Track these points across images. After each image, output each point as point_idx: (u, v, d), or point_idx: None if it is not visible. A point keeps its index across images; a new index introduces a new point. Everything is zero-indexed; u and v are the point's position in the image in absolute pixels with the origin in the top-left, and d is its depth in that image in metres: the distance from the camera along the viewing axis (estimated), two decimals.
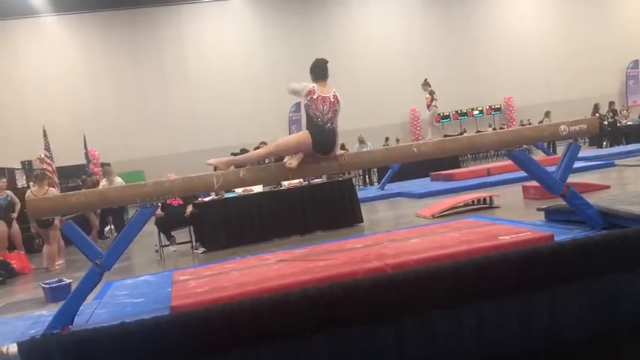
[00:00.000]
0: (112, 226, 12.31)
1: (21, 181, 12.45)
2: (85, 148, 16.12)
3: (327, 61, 5.00)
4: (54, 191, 8.75)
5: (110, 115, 20.72)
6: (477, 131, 21.23)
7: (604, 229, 5.21)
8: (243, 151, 15.22)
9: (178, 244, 8.77)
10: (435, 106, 12.38)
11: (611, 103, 18.06)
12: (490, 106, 24.45)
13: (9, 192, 9.03)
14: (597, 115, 15.93)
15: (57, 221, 8.29)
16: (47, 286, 6.05)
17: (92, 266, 4.61)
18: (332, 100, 4.89)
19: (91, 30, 21.34)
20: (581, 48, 24.76)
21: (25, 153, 16.48)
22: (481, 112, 24.37)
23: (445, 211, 8.52)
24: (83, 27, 21.29)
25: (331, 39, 21.69)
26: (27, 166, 14.71)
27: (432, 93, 11.85)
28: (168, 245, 8.68)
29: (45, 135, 13.01)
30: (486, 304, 2.48)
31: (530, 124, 19.36)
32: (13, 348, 2.29)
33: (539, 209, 6.69)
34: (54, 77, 20.64)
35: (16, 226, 8.95)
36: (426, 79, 12.17)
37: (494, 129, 21.23)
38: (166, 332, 2.22)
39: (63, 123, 18.92)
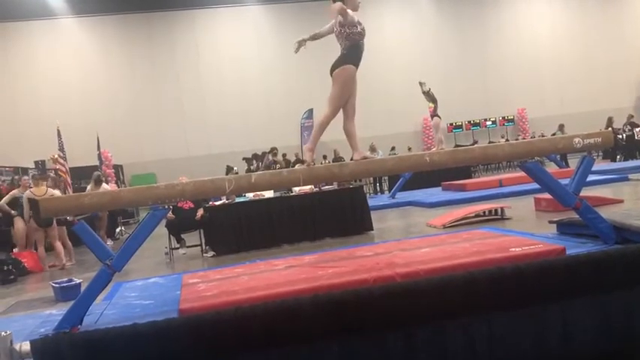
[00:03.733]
0: (123, 228, 12.38)
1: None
2: (98, 149, 16.25)
3: None
4: (53, 192, 8.83)
5: (124, 118, 20.86)
6: (490, 142, 21.16)
7: (617, 243, 5.16)
8: (255, 155, 15.31)
9: (188, 247, 8.80)
10: (439, 117, 12.36)
11: (630, 117, 17.91)
12: (503, 117, 24.35)
13: (29, 191, 9.14)
14: (611, 128, 15.81)
15: (55, 222, 8.39)
16: (57, 285, 6.09)
17: (103, 267, 4.63)
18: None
19: (108, 32, 21.54)
20: (596, 61, 24.62)
21: (39, 153, 16.71)
22: (494, 122, 24.27)
23: (456, 221, 8.48)
24: (100, 29, 21.49)
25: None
26: (40, 165, 14.87)
27: (431, 96, 11.81)
28: (178, 248, 8.70)
29: (59, 135, 13.13)
30: (498, 316, 2.46)
31: (543, 136, 19.27)
32: (26, 346, 2.30)
33: (551, 222, 6.63)
34: (70, 78, 20.83)
35: (33, 224, 9.03)
36: (419, 81, 12.14)
37: (506, 140, 21.14)
38: (177, 334, 2.23)
39: (77, 124, 19.08)
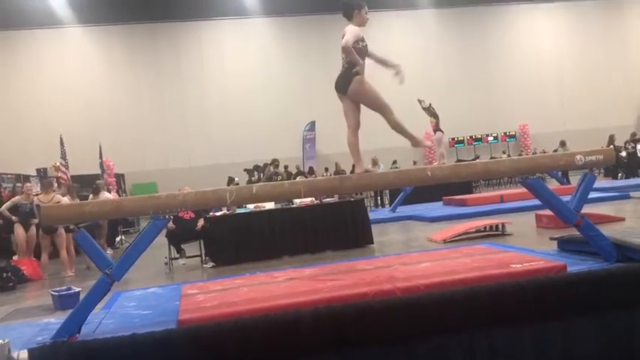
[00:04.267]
0: (123, 236, 12.36)
1: (35, 189, 12.57)
2: (100, 157, 16.27)
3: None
4: (60, 198, 8.82)
5: (127, 127, 20.93)
6: (491, 157, 21.16)
7: (618, 261, 5.14)
8: (256, 167, 15.34)
9: (188, 257, 8.78)
10: (441, 131, 12.38)
11: (633, 134, 17.92)
12: (505, 133, 24.39)
13: (36, 198, 9.15)
14: (613, 146, 15.82)
15: (61, 229, 8.38)
16: (56, 293, 6.07)
17: (102, 276, 4.61)
18: None
19: (114, 42, 21.69)
20: (598, 79, 24.72)
21: (42, 161, 16.71)
22: (496, 138, 24.30)
23: (457, 236, 8.46)
24: (106, 39, 21.64)
25: None
26: (42, 173, 14.87)
27: (432, 111, 11.83)
28: (177, 258, 8.69)
29: (62, 143, 13.17)
30: (499, 332, 2.45)
31: (544, 152, 19.28)
32: (24, 354, 2.29)
33: (552, 238, 6.61)
34: (74, 87, 20.94)
35: (33, 231, 9.01)
36: (418, 99, 12.20)
37: (508, 156, 21.15)
38: (176, 345, 2.22)
39: (80, 132, 19.14)
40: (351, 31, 4.81)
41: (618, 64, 25.01)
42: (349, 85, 4.84)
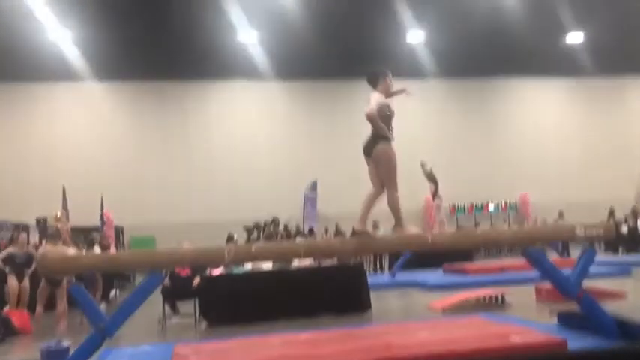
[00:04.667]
0: (118, 291, 12.19)
1: (33, 239, 12.54)
2: (102, 210, 16.29)
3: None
4: (67, 249, 8.78)
5: (130, 180, 21.05)
6: (492, 226, 21.14)
7: (619, 339, 5.05)
8: (256, 225, 15.33)
9: (182, 315, 8.64)
10: (440, 198, 12.42)
11: (634, 209, 17.94)
12: (506, 202, 24.46)
13: (32, 250, 9.11)
14: (612, 220, 15.83)
15: (65, 282, 8.29)
16: (45, 348, 5.93)
17: (94, 331, 4.54)
18: None
19: (122, 98, 22.16)
20: (599, 153, 24.98)
21: (42, 211, 16.73)
22: (497, 207, 24.35)
23: (456, 305, 8.34)
24: (115, 94, 22.12)
25: (352, 127, 21.96)
26: (42, 223, 14.86)
27: (432, 177, 11.89)
28: (171, 316, 8.54)
29: (64, 194, 13.22)
30: None
31: (545, 223, 19.26)
32: None
33: (552, 312, 6.52)
34: (81, 139, 21.24)
35: (27, 282, 8.92)
36: (421, 162, 12.30)
37: (509, 225, 21.13)
38: None
39: (83, 184, 19.23)
40: (375, 98, 4.96)
41: (619, 140, 25.34)
42: (372, 150, 4.95)
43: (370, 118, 4.88)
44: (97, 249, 10.33)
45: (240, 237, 14.67)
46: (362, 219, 5.11)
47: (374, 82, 5.15)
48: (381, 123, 4.91)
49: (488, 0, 16.73)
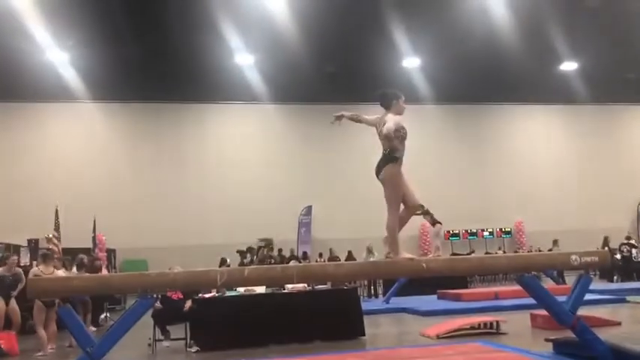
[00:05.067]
0: (108, 314, 11.99)
1: (24, 259, 12.40)
2: (94, 232, 16.16)
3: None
4: (59, 272, 8.68)
5: (123, 203, 20.93)
6: (486, 252, 21.09)
7: None
8: (249, 249, 15.22)
9: (172, 339, 8.50)
10: (439, 223, 12.36)
11: (628, 237, 17.95)
12: (500, 229, 24.46)
13: (19, 270, 8.98)
14: (607, 248, 15.81)
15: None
16: None
17: (82, 354, 4.45)
18: None
19: (117, 119, 22.17)
20: (593, 181, 25.11)
21: (34, 231, 16.60)
22: (491, 233, 24.34)
23: (450, 332, 8.25)
24: (110, 115, 22.13)
25: (347, 152, 22.17)
26: (33, 244, 14.72)
27: (426, 212, 11.81)
28: (162, 340, 8.41)
29: (56, 215, 13.13)
30: None
31: (540, 250, 19.23)
32: None
33: (547, 340, 6.46)
34: (74, 160, 21.17)
35: (13, 303, 8.78)
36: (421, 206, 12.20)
37: (504, 252, 21.09)
38: None
39: (75, 206, 19.12)
40: (392, 119, 4.97)
41: (613, 167, 25.50)
42: (384, 167, 4.94)
43: (389, 138, 4.88)
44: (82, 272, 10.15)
45: (234, 261, 14.55)
46: (393, 245, 5.06)
47: (387, 103, 5.17)
48: (398, 144, 4.94)
49: (484, 27, 16.91)
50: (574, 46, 18.94)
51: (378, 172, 5.05)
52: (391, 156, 4.96)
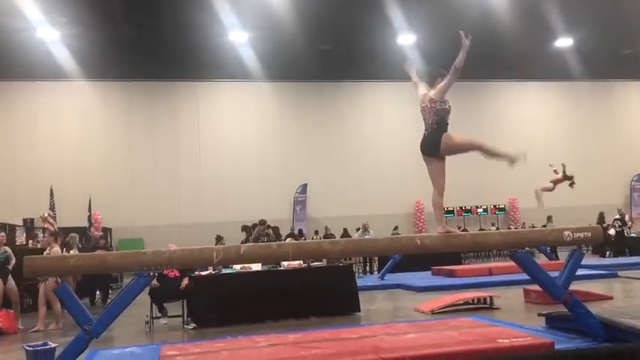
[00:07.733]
0: (99, 292, 11.92)
1: (20, 239, 12.39)
2: (89, 211, 16.15)
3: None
4: (59, 251, 8.69)
5: (118, 182, 20.88)
6: (481, 229, 21.20)
7: (606, 341, 5.08)
8: (245, 227, 15.21)
9: (169, 317, 8.58)
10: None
11: (621, 213, 18.07)
12: (494, 206, 24.57)
13: (7, 248, 8.98)
14: (603, 224, 15.94)
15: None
16: (30, 349, 5.86)
17: (80, 332, 4.50)
18: None
19: (111, 97, 21.97)
20: (588, 158, 25.13)
21: (29, 211, 16.55)
22: (485, 210, 24.46)
23: (444, 307, 8.36)
24: (104, 94, 21.92)
25: (342, 130, 22.19)
26: (29, 224, 14.70)
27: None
28: (159, 317, 8.49)
29: (51, 195, 13.10)
30: None
31: (533, 227, 19.35)
32: None
33: (540, 314, 6.56)
34: (68, 139, 21.01)
35: (11, 282, 8.80)
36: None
37: (497, 228, 21.20)
38: None
39: (70, 185, 19.09)
40: (439, 89, 4.98)
41: (607, 144, 25.57)
42: (439, 145, 4.92)
43: (438, 98, 5.10)
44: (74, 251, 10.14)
45: (229, 238, 14.56)
46: (440, 220, 5.25)
47: (432, 79, 5.24)
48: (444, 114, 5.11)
49: (479, 3, 16.77)
50: (569, 22, 18.82)
51: (428, 150, 5.04)
52: (440, 129, 5.05)
